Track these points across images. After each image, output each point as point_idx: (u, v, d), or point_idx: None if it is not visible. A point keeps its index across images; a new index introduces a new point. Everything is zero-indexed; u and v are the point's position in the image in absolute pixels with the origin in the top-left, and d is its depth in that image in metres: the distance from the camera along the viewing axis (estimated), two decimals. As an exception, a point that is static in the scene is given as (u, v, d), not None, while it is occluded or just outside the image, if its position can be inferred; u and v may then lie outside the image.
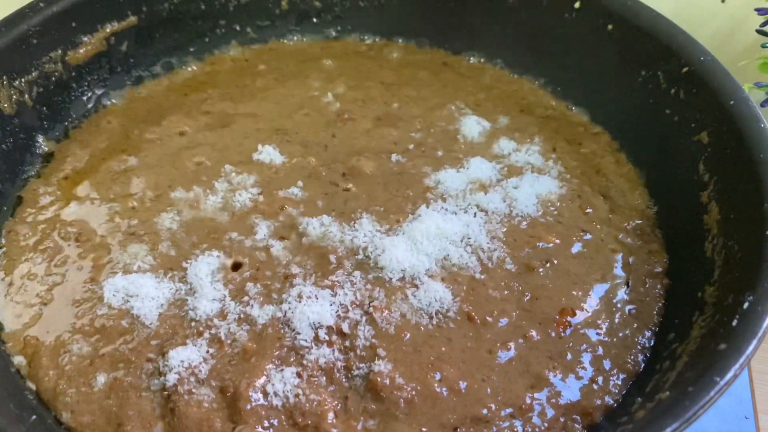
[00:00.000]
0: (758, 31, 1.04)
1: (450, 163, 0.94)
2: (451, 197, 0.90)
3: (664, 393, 0.65)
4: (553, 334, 0.77)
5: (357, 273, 0.80)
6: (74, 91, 1.00)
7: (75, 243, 0.85)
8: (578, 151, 0.98)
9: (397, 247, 0.81)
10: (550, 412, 0.71)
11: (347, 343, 0.74)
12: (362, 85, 1.08)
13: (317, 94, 1.06)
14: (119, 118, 1.02)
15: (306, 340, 0.74)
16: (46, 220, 0.88)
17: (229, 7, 1.11)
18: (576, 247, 0.85)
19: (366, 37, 1.17)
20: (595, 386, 0.73)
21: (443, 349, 0.74)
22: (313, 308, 0.75)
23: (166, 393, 0.71)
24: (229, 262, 0.82)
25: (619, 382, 0.74)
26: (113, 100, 1.05)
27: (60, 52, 0.95)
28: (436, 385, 0.71)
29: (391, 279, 0.79)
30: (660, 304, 0.81)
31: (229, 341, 0.75)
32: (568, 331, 0.77)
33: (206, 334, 0.75)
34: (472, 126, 1.00)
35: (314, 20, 1.16)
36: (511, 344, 0.75)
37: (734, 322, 0.65)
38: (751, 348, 0.62)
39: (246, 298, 0.78)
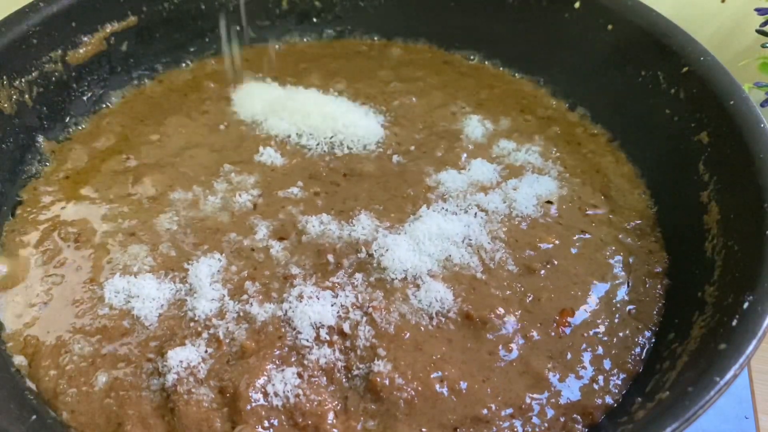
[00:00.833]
0: (758, 31, 1.04)
1: (451, 164, 0.94)
2: (452, 197, 0.90)
3: (664, 393, 0.65)
4: (553, 334, 0.77)
5: (358, 275, 0.80)
6: (74, 91, 1.00)
7: (75, 243, 0.85)
8: (578, 151, 0.98)
9: (400, 246, 0.81)
10: (550, 412, 0.71)
11: (348, 344, 0.74)
12: (363, 84, 1.08)
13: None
14: (119, 118, 1.02)
15: (307, 340, 0.74)
16: (46, 220, 0.88)
17: (229, 7, 1.10)
18: (576, 248, 0.85)
19: (366, 37, 1.17)
20: (595, 386, 0.73)
21: (443, 349, 0.74)
22: (315, 308, 0.75)
23: (165, 393, 0.71)
24: (228, 263, 0.82)
25: (620, 382, 0.74)
26: (113, 100, 1.05)
27: (60, 52, 0.95)
28: (436, 385, 0.71)
29: (393, 279, 0.79)
30: (660, 304, 0.81)
31: (227, 340, 0.75)
32: (568, 331, 0.77)
33: (205, 334, 0.75)
34: (475, 126, 1.00)
35: (314, 20, 1.16)
36: (512, 345, 0.75)
37: (734, 322, 0.65)
38: (751, 348, 0.62)
39: (245, 297, 0.78)
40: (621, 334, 0.78)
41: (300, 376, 0.72)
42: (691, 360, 0.68)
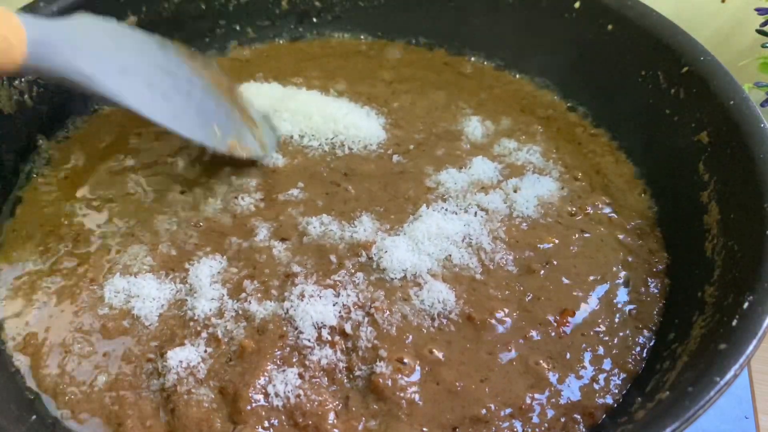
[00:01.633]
0: (758, 31, 1.04)
1: (451, 163, 0.94)
2: (452, 197, 0.90)
3: (664, 393, 0.65)
4: (553, 334, 0.77)
5: (359, 274, 0.80)
6: (74, 91, 1.00)
7: (74, 243, 0.85)
8: (579, 151, 0.98)
9: (399, 247, 0.81)
10: (550, 413, 0.71)
11: (349, 344, 0.74)
12: (363, 85, 1.08)
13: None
14: (119, 119, 1.02)
15: (309, 340, 0.74)
16: (46, 220, 0.88)
17: (229, 7, 1.11)
18: (576, 247, 0.85)
19: (366, 37, 1.17)
20: (595, 386, 0.73)
21: (444, 349, 0.74)
22: (317, 307, 0.75)
23: (165, 393, 0.71)
24: (229, 264, 0.82)
25: (620, 382, 0.74)
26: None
27: (60, 52, 0.95)
28: (436, 385, 0.71)
29: (392, 279, 0.79)
30: (660, 304, 0.81)
31: (226, 339, 0.75)
32: (568, 331, 0.77)
33: (204, 334, 0.75)
34: (475, 126, 1.00)
35: (314, 20, 1.16)
36: (511, 345, 0.75)
37: (734, 322, 0.65)
38: (751, 348, 0.62)
39: (243, 295, 0.78)
40: (621, 334, 0.78)
41: (301, 376, 0.72)
42: (691, 360, 0.68)
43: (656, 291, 0.82)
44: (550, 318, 0.78)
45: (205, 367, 0.73)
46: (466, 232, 0.85)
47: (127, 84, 0.77)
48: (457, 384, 0.71)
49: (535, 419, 0.70)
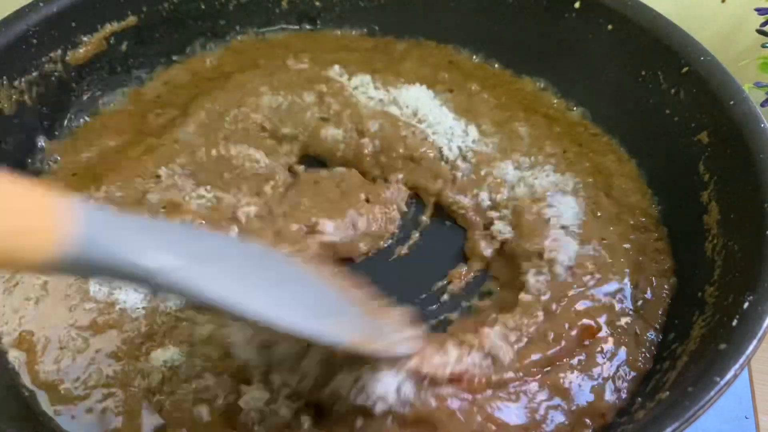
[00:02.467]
0: (758, 31, 1.04)
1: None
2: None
3: (664, 393, 0.65)
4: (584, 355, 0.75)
5: None
6: (74, 91, 1.00)
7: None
8: (580, 151, 0.98)
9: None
10: (560, 416, 0.70)
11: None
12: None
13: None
14: (119, 119, 1.02)
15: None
16: (45, 220, 0.88)
17: (229, 7, 1.10)
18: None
19: (366, 38, 1.17)
20: (606, 386, 0.73)
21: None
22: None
23: (156, 388, 0.72)
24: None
25: (630, 381, 0.73)
26: (113, 101, 1.04)
27: (60, 52, 0.95)
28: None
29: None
30: (667, 303, 0.80)
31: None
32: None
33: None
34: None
35: (314, 20, 1.16)
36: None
37: (734, 322, 0.65)
38: (751, 348, 0.62)
39: None
40: (630, 333, 0.77)
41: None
42: (691, 360, 0.68)
43: (663, 289, 0.81)
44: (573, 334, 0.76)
45: (189, 363, 0.73)
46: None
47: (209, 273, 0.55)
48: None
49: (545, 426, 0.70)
